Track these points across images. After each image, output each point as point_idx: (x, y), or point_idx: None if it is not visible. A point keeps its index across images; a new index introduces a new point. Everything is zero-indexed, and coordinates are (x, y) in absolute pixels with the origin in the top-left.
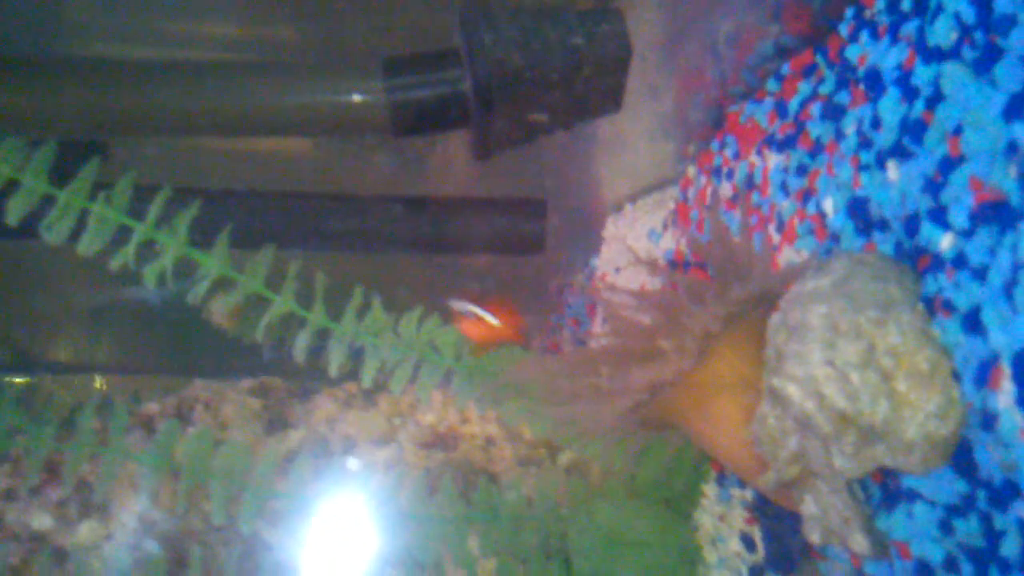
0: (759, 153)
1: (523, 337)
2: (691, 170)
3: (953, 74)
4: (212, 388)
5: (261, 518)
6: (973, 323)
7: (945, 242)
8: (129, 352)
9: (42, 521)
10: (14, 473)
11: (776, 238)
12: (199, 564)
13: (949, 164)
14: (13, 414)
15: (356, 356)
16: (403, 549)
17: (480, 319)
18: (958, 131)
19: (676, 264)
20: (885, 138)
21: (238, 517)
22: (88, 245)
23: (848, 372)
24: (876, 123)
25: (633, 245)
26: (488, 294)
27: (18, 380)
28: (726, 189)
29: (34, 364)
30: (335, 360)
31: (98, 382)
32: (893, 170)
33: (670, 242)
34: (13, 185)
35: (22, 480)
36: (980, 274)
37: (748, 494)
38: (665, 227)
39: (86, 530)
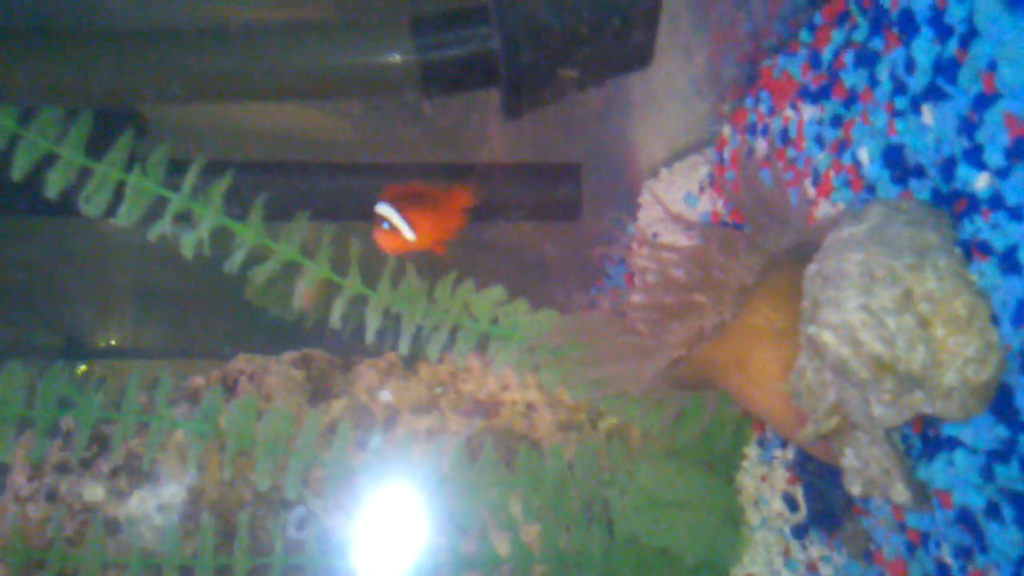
0: (793, 107)
1: (444, 248)
2: (726, 130)
3: (987, 9)
4: (255, 361)
5: (306, 487)
6: (1010, 263)
7: (981, 182)
8: (175, 336)
9: (94, 492)
10: (66, 447)
11: (812, 192)
12: (247, 531)
13: (984, 102)
14: (63, 387)
15: (395, 323)
16: (446, 515)
17: (396, 230)
18: (992, 67)
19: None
20: (919, 81)
21: (283, 485)
22: (126, 216)
23: (884, 318)
24: (910, 66)
25: (667, 204)
26: (419, 195)
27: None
28: (761, 146)
29: (85, 350)
30: (371, 327)
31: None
32: (928, 114)
33: (707, 205)
34: (51, 158)
35: (73, 453)
36: (1017, 213)
37: (790, 454)
38: (702, 190)
39: (137, 501)
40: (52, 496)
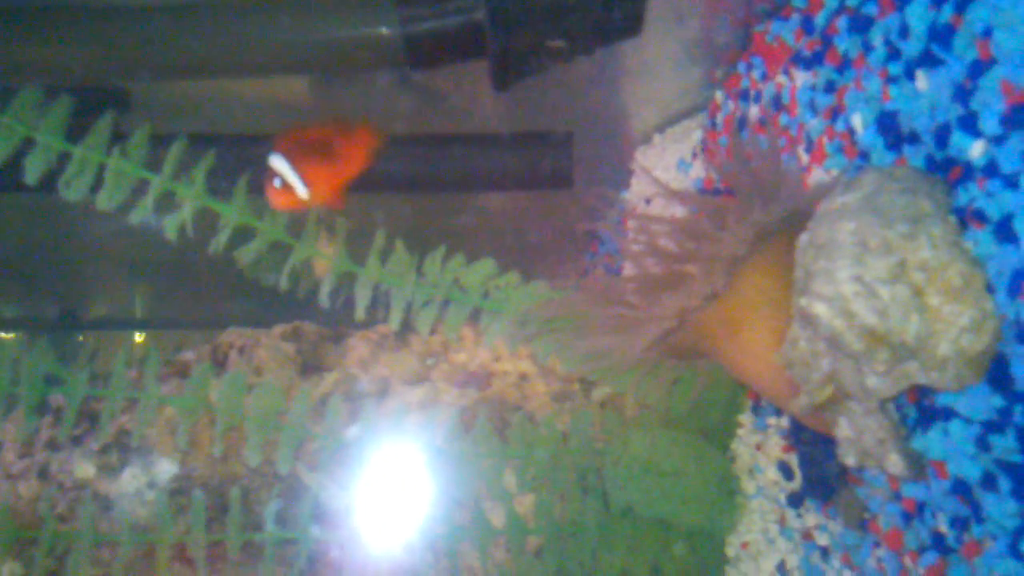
0: (786, 72)
1: (342, 201)
2: (719, 95)
3: None
4: (246, 334)
5: (299, 460)
6: (1005, 232)
7: (976, 150)
8: (168, 306)
9: (85, 469)
10: (55, 424)
11: (805, 159)
12: (239, 506)
13: (979, 68)
14: (49, 364)
15: (385, 298)
16: (440, 487)
17: (289, 187)
18: (988, 33)
19: (706, 192)
20: (914, 47)
21: (275, 459)
22: (107, 199)
23: (877, 288)
24: (904, 32)
25: (659, 175)
26: (314, 142)
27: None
28: (754, 112)
29: (80, 322)
30: (360, 303)
31: (139, 337)
32: (922, 80)
33: (700, 171)
34: (29, 142)
35: (63, 430)
36: (1012, 181)
37: (784, 422)
38: (694, 156)
39: (128, 477)
40: (43, 473)
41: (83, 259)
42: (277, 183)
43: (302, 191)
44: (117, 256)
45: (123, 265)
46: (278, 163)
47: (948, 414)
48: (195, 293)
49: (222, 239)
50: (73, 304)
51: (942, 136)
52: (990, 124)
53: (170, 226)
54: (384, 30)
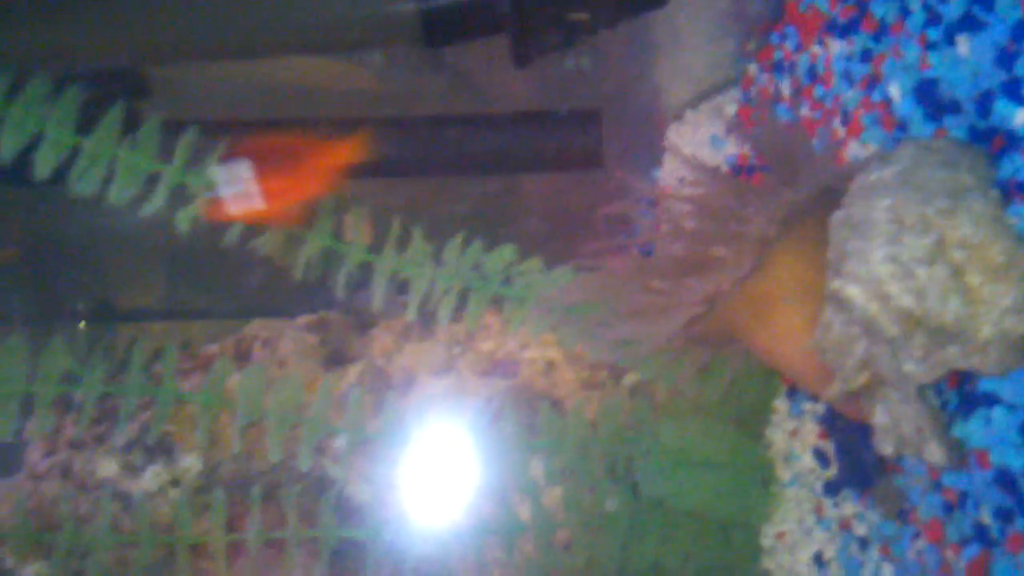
0: (820, 42)
1: (305, 217)
2: (752, 68)
3: None
4: (270, 326)
5: (323, 455)
6: None
7: (1020, 118)
8: (206, 297)
9: (107, 468)
10: (78, 422)
11: (841, 132)
12: (258, 504)
13: None
14: (65, 360)
15: (403, 288)
16: (466, 479)
17: (245, 196)
18: None
19: (740, 170)
20: (954, 9)
21: (297, 454)
22: (119, 192)
23: (914, 268)
24: None
25: (692, 152)
26: (273, 151)
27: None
28: (788, 84)
29: (115, 313)
30: (377, 294)
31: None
32: (963, 44)
33: (733, 148)
34: (40, 136)
35: (81, 427)
36: None
37: (820, 408)
38: (728, 132)
39: (151, 476)
40: (66, 472)
41: (115, 251)
42: (235, 194)
43: (257, 201)
44: (150, 247)
45: (156, 256)
46: (236, 172)
47: (991, 400)
48: (228, 284)
49: (235, 231)
50: (105, 296)
51: (984, 104)
52: None
53: (182, 219)
54: (400, 6)
